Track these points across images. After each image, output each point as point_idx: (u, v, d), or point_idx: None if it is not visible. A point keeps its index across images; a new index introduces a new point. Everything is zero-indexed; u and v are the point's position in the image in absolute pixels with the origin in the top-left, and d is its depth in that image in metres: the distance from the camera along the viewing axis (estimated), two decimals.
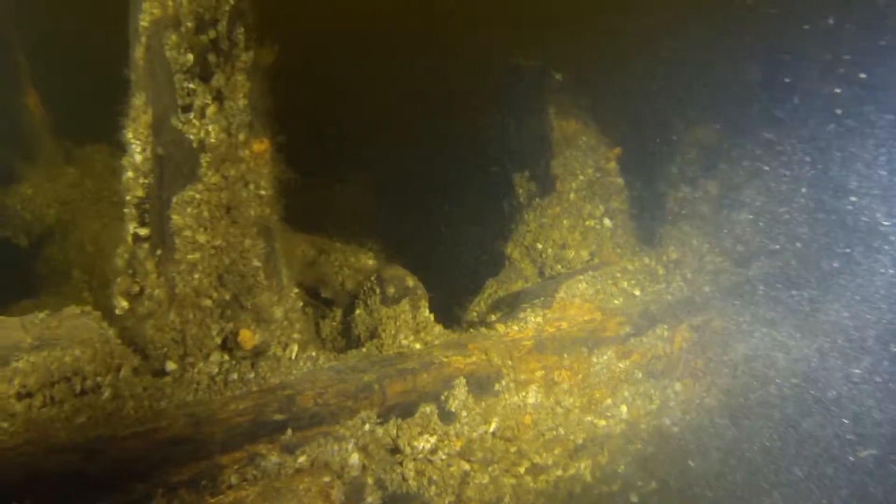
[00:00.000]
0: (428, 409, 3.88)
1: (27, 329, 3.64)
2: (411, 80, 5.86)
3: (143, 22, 3.93)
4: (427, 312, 4.56)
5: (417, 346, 4.30)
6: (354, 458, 3.58)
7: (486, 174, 5.70)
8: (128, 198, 3.97)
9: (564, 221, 5.31)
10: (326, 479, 3.46)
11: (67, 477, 3.05)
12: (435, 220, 5.97)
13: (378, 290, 4.49)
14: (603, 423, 4.48)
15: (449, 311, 4.79)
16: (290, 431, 3.49)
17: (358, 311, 4.52)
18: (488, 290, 5.22)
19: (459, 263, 5.62)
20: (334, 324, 4.72)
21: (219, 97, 3.96)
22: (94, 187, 7.15)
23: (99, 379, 3.51)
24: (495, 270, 5.39)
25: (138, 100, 3.89)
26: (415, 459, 3.80)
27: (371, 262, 4.78)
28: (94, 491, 3.06)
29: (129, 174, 3.95)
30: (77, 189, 7.12)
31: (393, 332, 4.35)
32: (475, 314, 5.03)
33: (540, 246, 5.35)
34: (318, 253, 4.77)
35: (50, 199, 6.92)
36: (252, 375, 3.68)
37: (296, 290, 4.19)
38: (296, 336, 4.05)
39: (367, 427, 3.73)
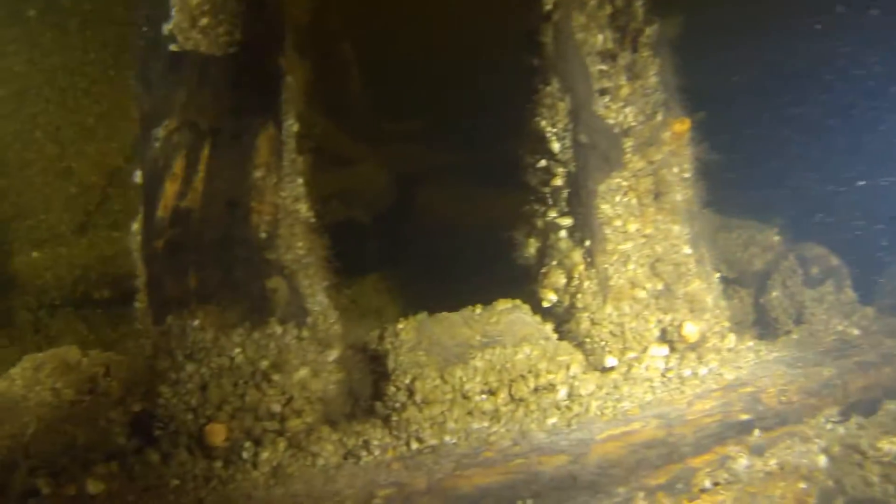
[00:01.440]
0: (892, 406, 3.49)
1: (470, 325, 3.65)
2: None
3: (548, 5, 3.77)
4: (851, 293, 4.16)
5: (854, 331, 3.91)
6: (822, 461, 3.29)
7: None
8: (544, 188, 3.87)
9: None
10: (802, 485, 3.21)
11: (560, 480, 2.99)
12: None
13: (799, 271, 4.13)
14: None
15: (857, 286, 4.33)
16: (757, 432, 3.24)
17: (774, 293, 4.20)
18: None
19: (850, 233, 5.09)
20: (742, 306, 4.43)
21: (630, 77, 3.74)
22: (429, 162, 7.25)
23: (552, 377, 3.44)
24: None
25: (552, 87, 3.75)
26: (878, 463, 3.44)
27: (777, 238, 4.43)
28: (582, 494, 2.99)
29: (544, 163, 3.84)
30: (413, 164, 7.25)
31: (823, 315, 3.98)
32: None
33: None
34: (715, 229, 4.48)
35: (387, 177, 7.09)
36: (704, 370, 3.46)
37: (717, 275, 3.94)
38: (727, 325, 3.81)
39: (829, 426, 3.41)
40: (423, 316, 3.69)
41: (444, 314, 3.73)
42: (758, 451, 3.26)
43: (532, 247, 4.01)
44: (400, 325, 3.58)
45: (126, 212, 6.12)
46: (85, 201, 6.14)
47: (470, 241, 6.13)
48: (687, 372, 3.47)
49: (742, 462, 3.20)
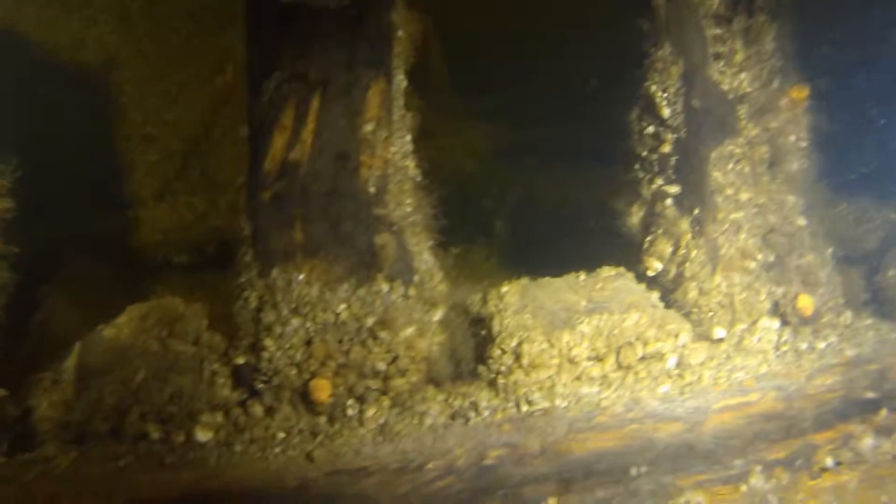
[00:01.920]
0: None
1: (574, 290, 3.55)
2: None
3: None
4: None
5: None
6: None
7: None
8: (651, 155, 3.75)
9: None
10: None
11: (675, 448, 2.89)
12: None
13: None
14: None
15: None
16: (884, 412, 3.09)
17: (892, 272, 4.02)
18: None
19: None
20: (851, 284, 4.25)
21: (746, 42, 3.60)
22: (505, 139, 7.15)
23: (660, 345, 3.33)
24: None
25: (664, 51, 3.62)
26: None
27: (894, 215, 4.25)
28: (698, 463, 2.88)
29: (652, 129, 3.71)
30: (487, 140, 7.15)
31: None
32: None
33: None
34: (824, 205, 4.30)
35: (465, 151, 6.99)
36: (822, 345, 3.32)
37: (830, 249, 3.78)
38: (842, 300, 3.66)
39: None
40: (525, 280, 3.60)
41: (548, 279, 3.65)
42: (885, 432, 3.11)
43: (635, 216, 3.90)
44: (504, 288, 3.50)
45: (204, 179, 6.14)
46: (165, 168, 6.14)
47: (551, 216, 6.03)
48: (804, 345, 3.35)
49: (868, 442, 3.06)
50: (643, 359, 3.33)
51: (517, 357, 3.24)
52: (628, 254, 3.93)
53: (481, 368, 3.31)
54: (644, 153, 3.83)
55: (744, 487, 2.77)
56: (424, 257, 3.35)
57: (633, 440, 2.91)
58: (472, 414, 3.06)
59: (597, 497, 2.73)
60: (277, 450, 2.93)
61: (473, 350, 3.43)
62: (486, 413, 3.07)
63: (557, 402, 3.09)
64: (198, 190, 6.23)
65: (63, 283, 4.96)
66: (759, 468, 2.92)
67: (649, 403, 3.07)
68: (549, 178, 6.56)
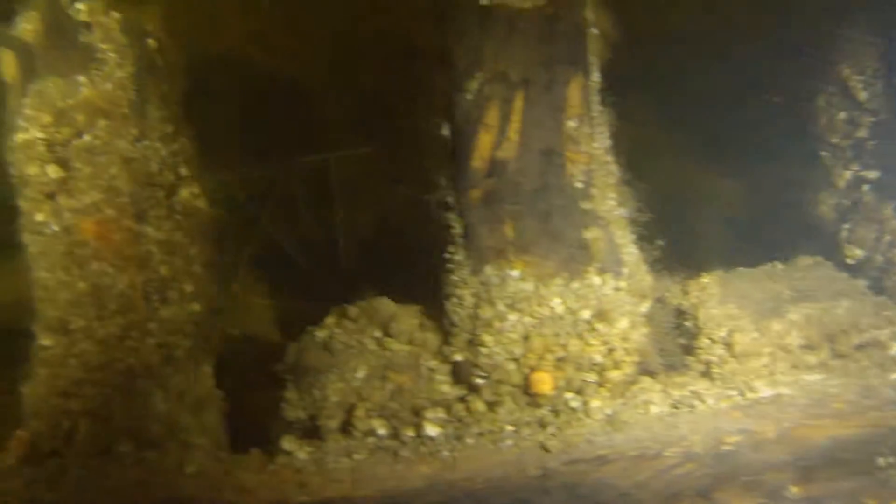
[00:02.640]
0: None
1: (774, 280, 3.52)
2: None
3: None
4: None
5: None
6: None
7: None
8: (844, 140, 3.68)
9: None
10: None
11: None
12: None
13: None
14: None
15: None
16: None
17: None
18: None
19: None
20: None
21: None
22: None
23: (878, 332, 3.27)
24: None
25: (856, 30, 3.56)
26: None
27: None
28: None
29: (844, 115, 3.67)
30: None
31: None
32: None
33: None
34: None
35: None
36: None
37: None
38: None
39: None
40: (721, 271, 3.59)
41: (743, 269, 3.63)
42: None
43: (825, 204, 3.84)
44: (704, 279, 3.49)
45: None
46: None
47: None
48: None
49: None
50: (861, 347, 3.27)
51: (728, 346, 3.23)
52: (818, 242, 3.86)
53: (690, 359, 3.30)
54: (835, 140, 3.77)
55: None
56: (630, 250, 3.36)
57: (875, 428, 2.85)
58: (696, 402, 3.06)
59: (842, 487, 2.67)
60: (510, 441, 2.97)
61: (677, 340, 3.42)
62: (710, 401, 3.05)
63: (782, 389, 3.05)
64: None
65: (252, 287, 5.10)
66: None
67: (883, 391, 3.00)
68: (700, 178, 6.45)
